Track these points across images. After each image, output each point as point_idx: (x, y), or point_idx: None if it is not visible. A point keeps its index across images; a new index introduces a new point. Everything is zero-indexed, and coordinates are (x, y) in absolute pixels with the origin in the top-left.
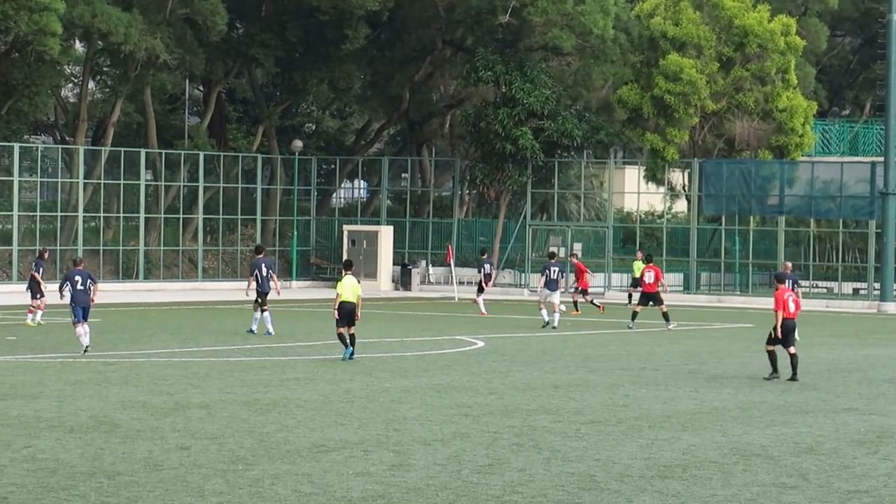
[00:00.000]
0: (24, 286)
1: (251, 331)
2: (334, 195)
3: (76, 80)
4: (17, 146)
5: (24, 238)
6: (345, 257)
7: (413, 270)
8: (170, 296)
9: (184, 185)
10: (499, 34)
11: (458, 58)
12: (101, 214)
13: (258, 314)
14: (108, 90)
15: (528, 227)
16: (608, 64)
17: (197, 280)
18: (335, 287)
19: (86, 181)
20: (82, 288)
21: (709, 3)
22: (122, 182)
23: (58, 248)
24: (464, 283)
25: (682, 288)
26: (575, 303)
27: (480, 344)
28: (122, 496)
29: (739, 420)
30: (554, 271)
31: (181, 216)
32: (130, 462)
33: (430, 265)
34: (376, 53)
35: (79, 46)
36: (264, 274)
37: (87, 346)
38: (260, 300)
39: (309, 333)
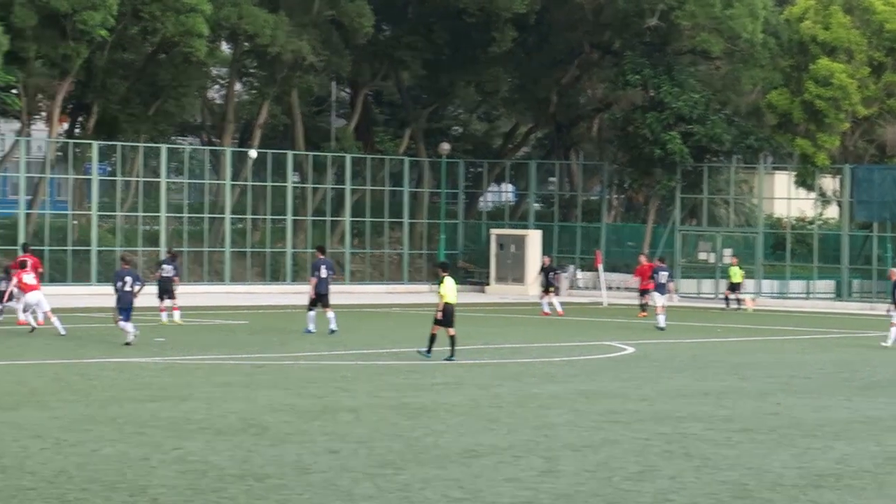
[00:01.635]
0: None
1: (308, 331)
2: (481, 199)
3: (223, 82)
4: (164, 147)
5: (172, 239)
6: (491, 261)
7: (561, 275)
8: None
9: (331, 188)
10: (646, 37)
11: (606, 61)
12: (249, 216)
13: (312, 313)
14: (254, 92)
15: (677, 232)
16: (757, 68)
17: (344, 283)
18: (438, 289)
19: (233, 183)
20: (129, 289)
21: (859, 7)
22: (269, 184)
23: (205, 249)
24: (612, 288)
25: (833, 295)
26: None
27: (630, 350)
28: (272, 499)
29: (894, 430)
30: (663, 276)
31: (328, 219)
32: (279, 465)
33: (579, 270)
34: (523, 56)
35: (225, 48)
36: (324, 275)
37: (130, 342)
38: (322, 302)
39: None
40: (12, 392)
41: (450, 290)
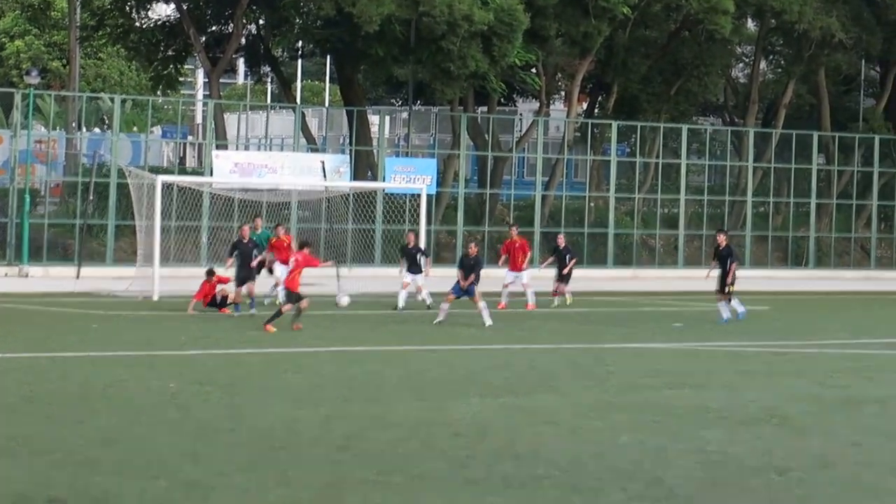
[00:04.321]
0: (687, 272)
1: None
2: None
3: (747, 60)
4: (685, 127)
5: (691, 222)
6: None
7: None
8: (841, 284)
9: (857, 171)
10: None
11: None
12: (771, 199)
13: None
14: (779, 70)
15: None
16: None
17: (869, 268)
18: None
19: (755, 165)
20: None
21: None
22: (792, 166)
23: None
24: None
25: None
26: None
27: None
28: (794, 493)
29: None
30: None
31: (854, 202)
32: (801, 458)
33: None
34: None
35: (750, 25)
36: None
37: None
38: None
39: None
40: (526, 376)
41: None
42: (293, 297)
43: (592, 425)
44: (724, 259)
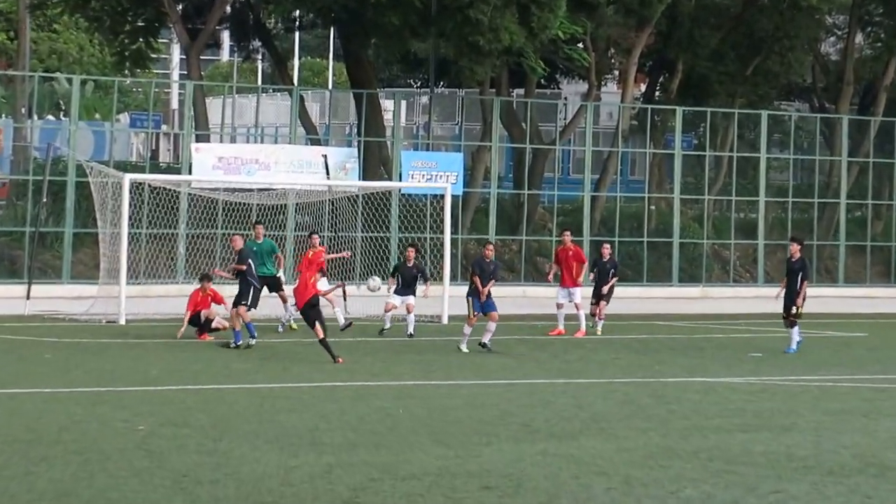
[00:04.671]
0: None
1: None
2: None
3: (840, 33)
4: (764, 114)
5: (772, 230)
6: None
7: None
8: None
9: None
10: None
11: None
12: (869, 201)
13: None
14: (879, 45)
15: None
16: None
17: None
18: None
19: (850, 159)
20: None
21: None
22: (895, 161)
23: (814, 242)
24: None
25: None
26: None
27: None
28: None
29: None
30: None
31: None
32: None
33: None
34: None
35: None
36: None
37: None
38: None
39: None
40: (571, 417)
41: None
42: (311, 312)
43: (650, 476)
44: (796, 274)
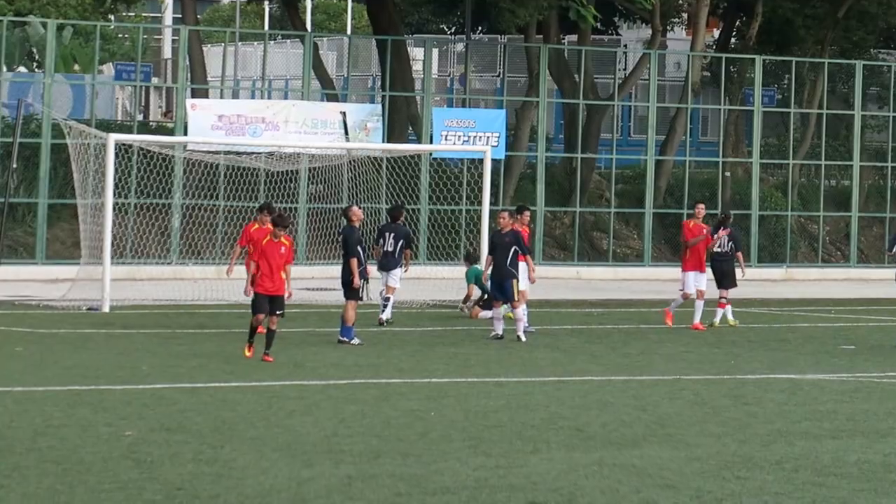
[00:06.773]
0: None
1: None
2: None
3: None
4: (859, 64)
5: (869, 200)
6: None
7: None
8: None
9: None
10: None
11: None
12: None
13: None
14: None
15: None
16: None
17: None
18: None
19: None
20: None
21: None
22: None
23: None
24: None
25: None
26: None
27: None
28: None
29: None
30: None
31: None
32: None
33: None
34: None
35: None
36: None
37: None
38: None
39: None
40: (633, 421)
41: None
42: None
43: (725, 490)
44: None
